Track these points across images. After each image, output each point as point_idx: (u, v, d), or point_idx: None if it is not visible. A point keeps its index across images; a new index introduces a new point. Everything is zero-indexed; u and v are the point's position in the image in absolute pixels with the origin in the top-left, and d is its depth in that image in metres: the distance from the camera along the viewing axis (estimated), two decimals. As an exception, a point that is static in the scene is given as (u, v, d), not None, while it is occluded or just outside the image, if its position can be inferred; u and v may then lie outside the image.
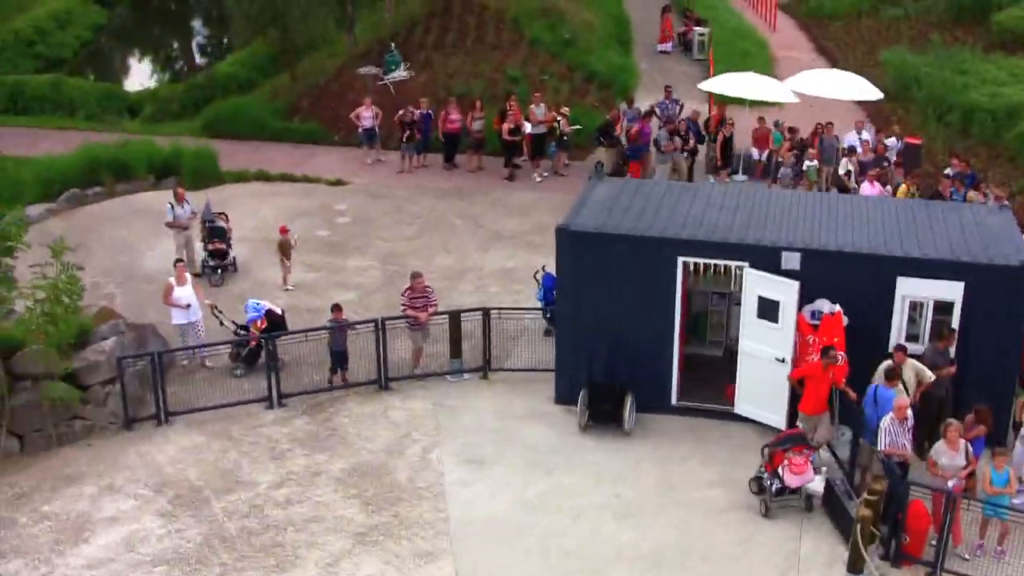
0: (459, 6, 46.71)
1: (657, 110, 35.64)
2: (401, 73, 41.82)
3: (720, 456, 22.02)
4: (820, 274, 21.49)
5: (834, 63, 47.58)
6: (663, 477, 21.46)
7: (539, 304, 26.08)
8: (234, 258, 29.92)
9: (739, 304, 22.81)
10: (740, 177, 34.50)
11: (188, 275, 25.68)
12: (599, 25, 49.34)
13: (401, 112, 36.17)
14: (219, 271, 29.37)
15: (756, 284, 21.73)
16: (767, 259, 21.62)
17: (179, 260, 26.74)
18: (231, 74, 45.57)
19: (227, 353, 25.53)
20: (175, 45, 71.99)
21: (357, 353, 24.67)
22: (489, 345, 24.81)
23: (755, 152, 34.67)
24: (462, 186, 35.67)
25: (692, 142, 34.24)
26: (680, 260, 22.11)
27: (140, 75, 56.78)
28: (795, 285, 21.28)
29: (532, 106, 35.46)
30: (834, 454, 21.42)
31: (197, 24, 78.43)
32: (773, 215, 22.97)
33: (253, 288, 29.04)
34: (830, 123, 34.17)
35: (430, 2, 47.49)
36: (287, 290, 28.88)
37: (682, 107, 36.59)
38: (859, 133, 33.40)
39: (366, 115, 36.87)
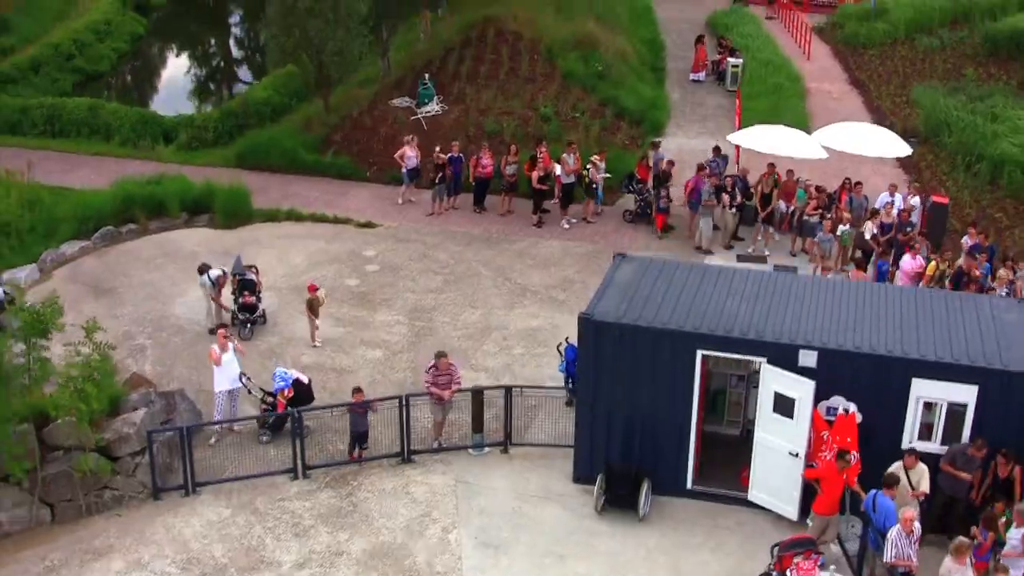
0: (493, 35, 46.79)
1: (707, 166, 35.54)
2: (434, 107, 42.19)
3: (731, 546, 22.40)
4: (836, 372, 21.83)
5: (867, 97, 47.81)
6: (674, 567, 21.86)
7: (560, 374, 26.56)
8: (263, 311, 30.38)
9: (757, 387, 23.15)
10: (770, 229, 34.69)
11: (231, 343, 26.12)
12: (633, 52, 49.50)
13: (433, 155, 36.55)
14: (248, 325, 29.83)
15: (773, 380, 22.07)
16: (785, 356, 21.96)
17: (221, 325, 27.17)
18: (265, 99, 45.87)
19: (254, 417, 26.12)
20: (212, 43, 72.42)
21: (382, 423, 25.12)
22: (510, 420, 25.20)
23: (782, 205, 34.77)
24: (490, 232, 35.99)
25: (740, 198, 34.33)
26: (699, 353, 22.45)
27: (175, 88, 57.05)
28: (811, 384, 21.61)
29: (565, 155, 35.70)
30: (844, 549, 21.81)
31: (235, 20, 79.03)
32: (792, 307, 23.23)
33: (281, 343, 29.59)
34: (859, 183, 34.29)
35: (465, 30, 47.61)
36: (315, 346, 29.36)
37: (727, 161, 36.71)
38: (891, 196, 33.40)
39: (411, 155, 37.19)
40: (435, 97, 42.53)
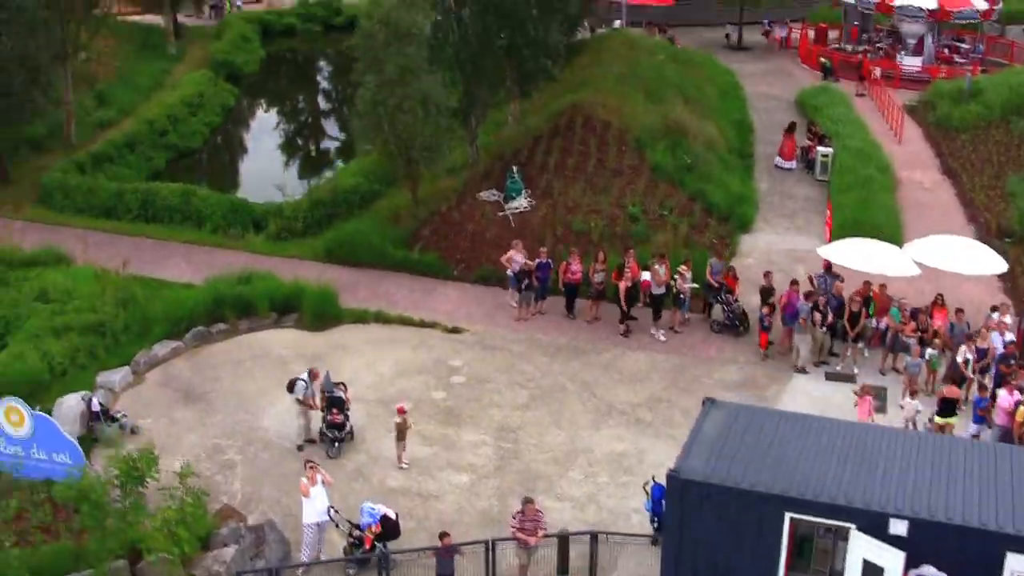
0: (581, 123, 46.80)
1: (815, 282, 35.36)
2: (522, 202, 42.22)
3: None
4: (927, 542, 21.43)
5: (959, 188, 47.21)
6: None
7: (647, 512, 26.49)
8: (351, 428, 30.57)
9: (846, 540, 22.87)
10: (859, 344, 34.41)
11: (319, 475, 26.27)
12: (721, 138, 49.35)
13: (521, 260, 36.72)
14: (336, 444, 30.03)
15: (862, 547, 21.80)
16: (875, 524, 21.66)
17: (309, 463, 27.12)
18: (354, 187, 46.20)
19: (342, 547, 26.29)
20: (301, 107, 73.25)
21: (468, 561, 25.10)
22: (595, 566, 25.13)
23: (873, 321, 34.45)
24: (577, 340, 35.94)
25: (831, 317, 33.99)
26: (787, 516, 22.27)
27: (265, 162, 57.63)
28: (901, 555, 21.29)
29: (656, 266, 35.70)
30: None
31: (324, 75, 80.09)
32: (883, 467, 22.90)
33: (368, 463, 29.75)
34: (960, 309, 33.72)
35: (553, 117, 47.68)
36: (401, 468, 29.48)
37: (841, 280, 35.62)
38: (995, 314, 33.06)
39: (518, 259, 37.13)
40: (523, 191, 42.56)
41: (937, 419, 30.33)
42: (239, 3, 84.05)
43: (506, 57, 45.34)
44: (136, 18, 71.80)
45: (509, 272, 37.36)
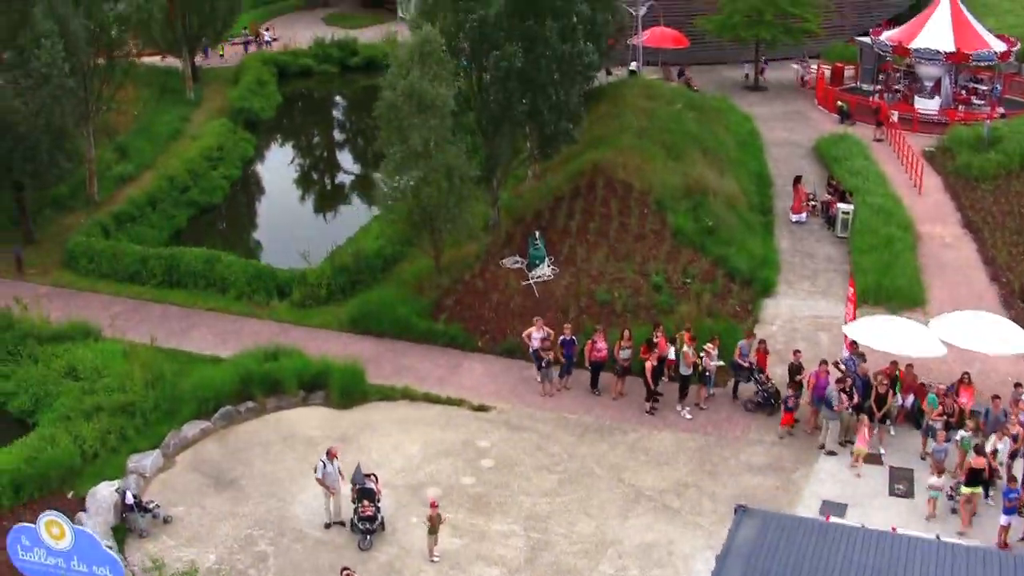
0: (602, 185, 46.94)
1: (843, 366, 35.31)
2: (545, 270, 42.33)
3: None
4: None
5: (981, 244, 47.13)
6: None
7: (679, 613, 26.69)
8: (382, 518, 30.73)
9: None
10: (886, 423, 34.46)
11: None
12: (741, 194, 49.51)
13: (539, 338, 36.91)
14: (368, 536, 30.23)
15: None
16: (906, 649, 21.85)
17: (345, 569, 27.19)
18: (377, 251, 46.23)
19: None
20: (319, 151, 73.23)
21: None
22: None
23: (899, 398, 34.52)
24: (603, 419, 36.03)
25: (856, 398, 34.00)
26: (821, 637, 22.45)
27: (284, 219, 57.67)
28: None
29: (686, 348, 35.80)
30: None
31: (339, 111, 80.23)
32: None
33: (400, 555, 29.94)
34: (996, 396, 33.46)
35: (574, 178, 47.82)
36: (433, 561, 29.65)
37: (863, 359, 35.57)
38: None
39: (536, 336, 37.24)
40: (546, 258, 42.68)
41: (964, 489, 30.47)
42: (267, 39, 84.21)
43: (528, 121, 45.42)
44: (154, 59, 71.76)
45: (532, 350, 37.47)
